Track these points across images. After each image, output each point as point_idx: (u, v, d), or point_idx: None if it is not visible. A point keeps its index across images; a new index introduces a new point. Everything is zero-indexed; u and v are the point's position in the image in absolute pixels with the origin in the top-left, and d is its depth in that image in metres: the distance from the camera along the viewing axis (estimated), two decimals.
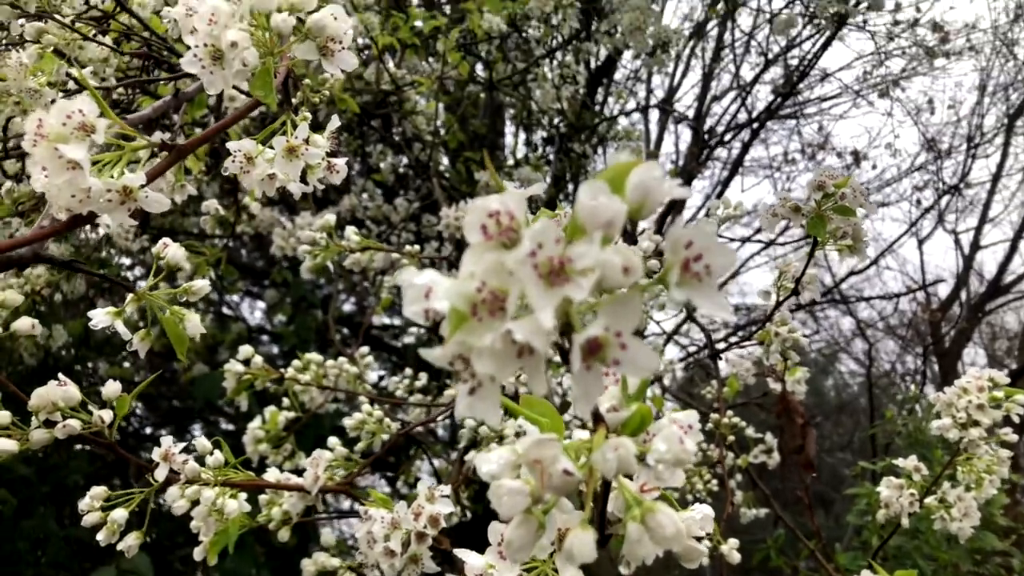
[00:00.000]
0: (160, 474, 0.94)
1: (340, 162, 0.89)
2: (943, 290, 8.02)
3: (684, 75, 7.39)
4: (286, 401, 1.78)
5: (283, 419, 1.76)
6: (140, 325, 0.94)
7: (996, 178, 8.05)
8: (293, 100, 0.86)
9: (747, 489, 2.43)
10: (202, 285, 0.93)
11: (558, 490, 0.41)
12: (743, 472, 2.26)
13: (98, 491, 0.92)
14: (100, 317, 0.90)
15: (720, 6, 6.30)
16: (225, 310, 6.59)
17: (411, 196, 3.46)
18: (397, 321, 6.79)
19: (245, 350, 1.56)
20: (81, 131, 0.65)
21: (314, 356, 1.62)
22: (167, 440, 0.96)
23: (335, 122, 0.88)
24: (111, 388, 0.87)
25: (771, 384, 2.10)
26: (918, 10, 6.06)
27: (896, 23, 6.06)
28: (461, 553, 0.66)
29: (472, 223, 0.38)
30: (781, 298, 1.49)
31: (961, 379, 1.67)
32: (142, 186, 0.69)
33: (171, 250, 0.90)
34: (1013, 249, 8.09)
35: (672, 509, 0.43)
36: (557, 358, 0.40)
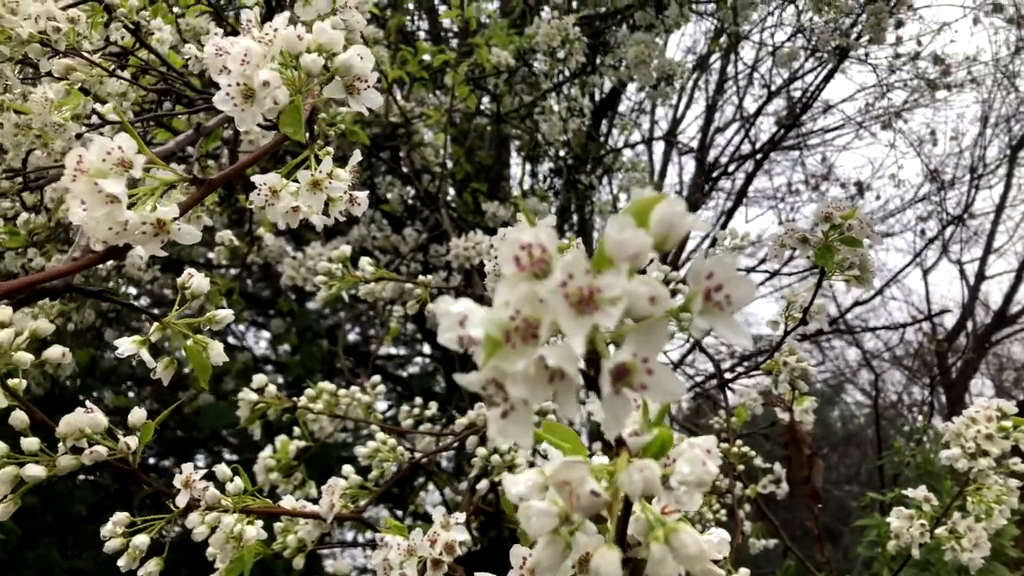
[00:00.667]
0: (181, 500, 0.96)
1: (361, 195, 0.91)
2: (949, 321, 8.01)
3: (688, 107, 7.49)
4: (296, 430, 1.79)
5: (294, 448, 1.78)
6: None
7: (1000, 209, 8.09)
8: (316, 135, 0.89)
9: (756, 520, 2.42)
10: (225, 314, 0.95)
11: (586, 510, 0.43)
12: (752, 502, 2.26)
13: (121, 517, 0.94)
14: (126, 346, 0.92)
15: (723, 39, 6.40)
16: (231, 340, 6.61)
17: (419, 227, 3.50)
18: (402, 351, 6.80)
19: (259, 379, 1.57)
20: (120, 167, 0.68)
21: (326, 385, 1.64)
22: (188, 467, 0.97)
23: (357, 156, 0.90)
24: (137, 415, 0.89)
25: (779, 414, 2.11)
26: (919, 43, 6.15)
27: (897, 56, 6.14)
28: None
29: (506, 255, 0.40)
30: (789, 328, 1.50)
31: (969, 409, 1.68)
32: (175, 219, 0.72)
33: (196, 280, 0.93)
34: (1018, 279, 8.11)
35: (695, 531, 0.44)
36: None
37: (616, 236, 0.39)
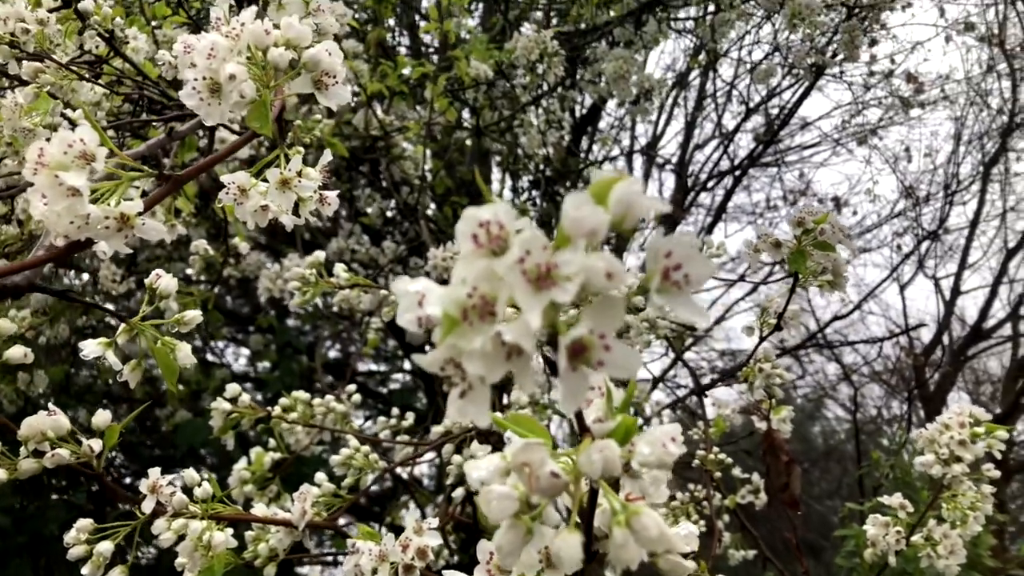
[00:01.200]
0: (147, 506, 0.94)
1: (332, 195, 0.91)
2: (926, 335, 8.09)
3: (667, 123, 7.54)
4: (271, 442, 1.77)
5: (269, 460, 1.75)
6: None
7: (974, 224, 8.20)
8: (286, 135, 0.88)
9: (735, 531, 2.42)
10: (194, 315, 0.94)
11: (546, 492, 0.43)
12: (731, 513, 2.25)
13: (84, 523, 0.92)
14: (91, 348, 0.90)
15: (701, 57, 6.47)
16: (209, 356, 6.55)
17: (398, 239, 3.49)
18: (383, 367, 6.76)
19: (232, 388, 1.56)
20: (82, 159, 0.67)
21: (301, 395, 1.62)
22: (155, 471, 0.96)
23: (327, 156, 0.90)
24: (101, 417, 0.87)
25: (756, 423, 2.12)
26: (892, 61, 6.25)
27: (872, 73, 6.23)
28: (449, 575, 0.66)
29: (463, 232, 0.40)
30: (764, 334, 1.51)
31: (943, 415, 1.69)
32: (139, 213, 0.71)
33: (163, 280, 0.92)
34: (993, 294, 8.21)
35: (656, 514, 0.44)
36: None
37: (573, 213, 0.39)
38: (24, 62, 1.20)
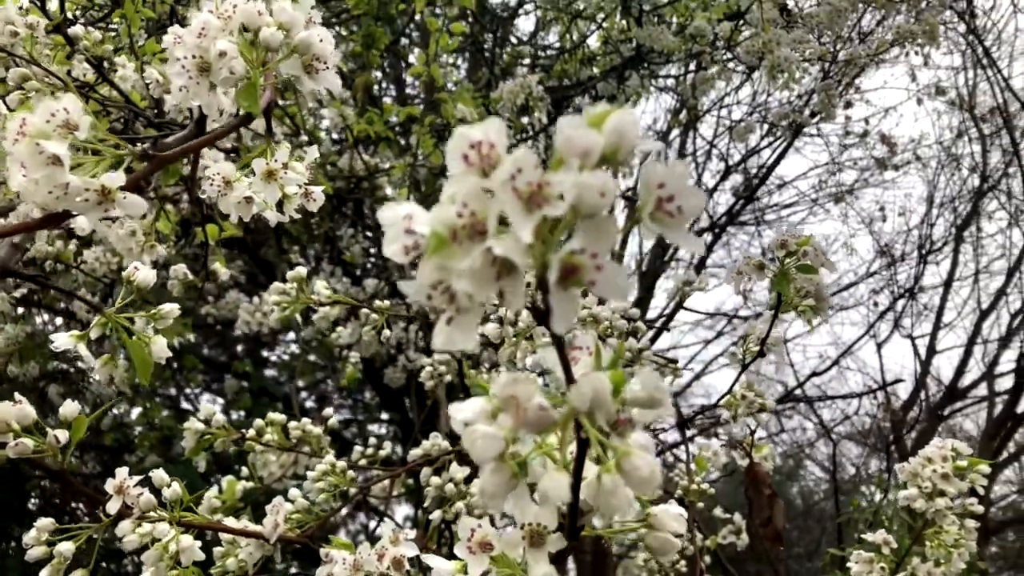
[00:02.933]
0: (112, 507, 0.90)
1: (317, 190, 0.90)
2: (903, 393, 8.13)
3: None
4: (244, 471, 1.72)
5: (241, 489, 1.71)
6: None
7: (947, 285, 8.32)
8: (273, 128, 0.88)
9: (717, 574, 2.37)
10: (171, 308, 0.92)
11: (533, 425, 0.41)
12: (712, 554, 2.21)
13: (45, 523, 0.88)
14: (63, 340, 0.88)
15: (682, 115, 6.61)
16: (183, 404, 6.44)
17: (379, 276, 3.48)
18: (360, 416, 6.67)
19: (206, 408, 1.52)
20: (64, 128, 0.66)
21: (276, 416, 1.59)
22: (122, 471, 0.92)
23: (314, 152, 0.90)
24: (69, 408, 0.85)
25: (738, 460, 2.10)
26: (867, 122, 6.42)
27: (847, 133, 6.39)
28: (428, 559, 0.64)
29: (454, 151, 0.39)
30: (747, 361, 1.51)
31: (925, 448, 1.68)
32: (121, 188, 0.70)
33: (141, 273, 0.90)
34: (967, 354, 8.28)
35: (648, 454, 0.43)
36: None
37: (567, 132, 0.39)
38: (11, 68, 1.20)
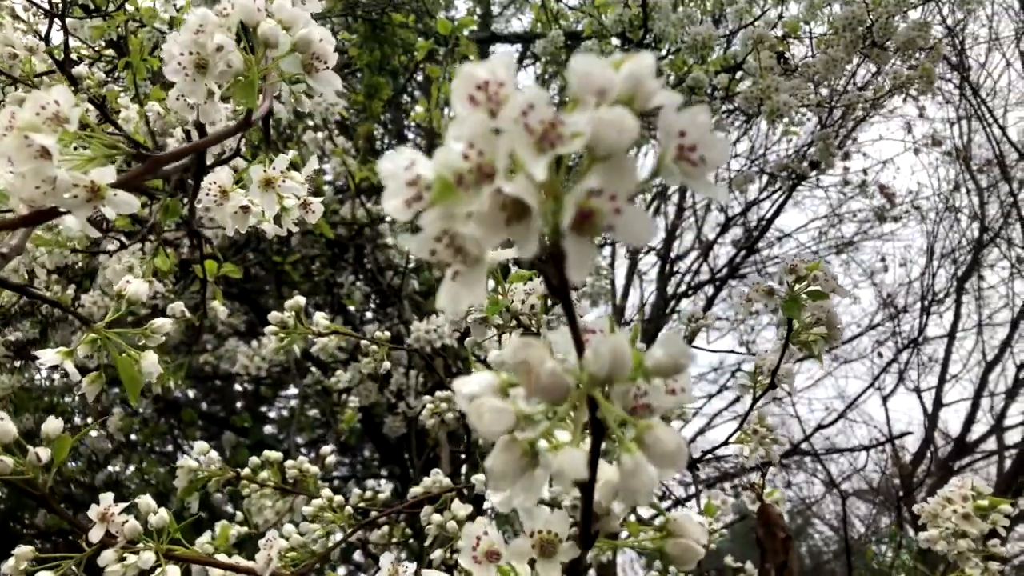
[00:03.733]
0: (95, 535, 0.85)
1: (316, 201, 0.88)
2: (911, 445, 8.00)
3: None
4: (238, 514, 1.66)
5: (234, 534, 1.64)
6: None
7: (951, 337, 8.26)
8: (271, 138, 0.86)
9: None
10: (163, 322, 0.88)
11: (547, 392, 0.38)
12: None
13: (24, 551, 0.83)
14: (49, 356, 0.84)
15: None
16: (180, 458, 6.32)
17: (381, 319, 3.45)
18: (359, 473, 6.55)
19: (200, 446, 1.47)
20: (54, 121, 0.64)
21: (273, 454, 1.53)
22: (107, 497, 0.87)
23: (313, 163, 0.87)
24: (52, 425, 0.80)
25: (748, 504, 2.03)
26: (864, 173, 6.46)
27: (846, 183, 6.42)
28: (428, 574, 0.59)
29: (460, 92, 0.36)
30: (758, 394, 1.46)
31: (944, 488, 1.63)
32: (111, 184, 0.67)
33: (133, 286, 0.87)
34: (975, 407, 8.17)
35: (672, 427, 0.39)
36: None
37: (582, 68, 0.36)
38: (9, 91, 1.19)
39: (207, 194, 0.83)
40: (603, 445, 0.46)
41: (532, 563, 0.55)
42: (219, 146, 1.62)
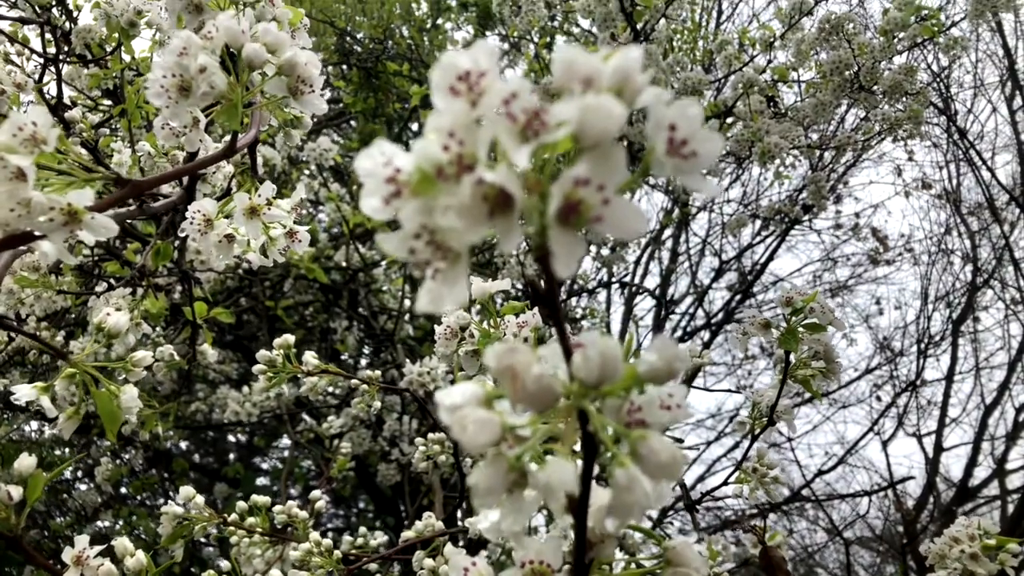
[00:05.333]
0: None
1: (302, 230, 0.86)
2: (913, 491, 7.89)
3: (644, 278, 7.68)
4: (224, 564, 1.61)
5: None
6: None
7: (949, 380, 8.21)
8: (257, 166, 0.84)
9: None
10: (143, 356, 0.86)
11: (533, 399, 0.35)
12: None
13: None
14: (24, 392, 0.82)
15: (675, 214, 6.70)
16: None
17: (374, 363, 3.41)
18: (353, 524, 6.43)
19: (186, 491, 1.43)
20: (31, 142, 0.62)
21: (261, 499, 1.49)
22: (82, 540, 0.84)
23: (300, 191, 0.86)
24: (25, 462, 0.77)
25: (750, 548, 1.97)
26: (857, 216, 6.49)
27: (838, 226, 6.45)
28: None
29: (440, 84, 0.35)
30: (757, 431, 1.43)
31: (950, 528, 1.59)
32: (88, 208, 0.65)
33: (113, 319, 0.84)
34: (975, 451, 8.09)
35: (665, 438, 0.36)
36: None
37: (566, 57, 0.34)
38: None
39: (191, 223, 0.81)
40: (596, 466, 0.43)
41: None
42: (210, 186, 1.61)
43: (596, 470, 0.45)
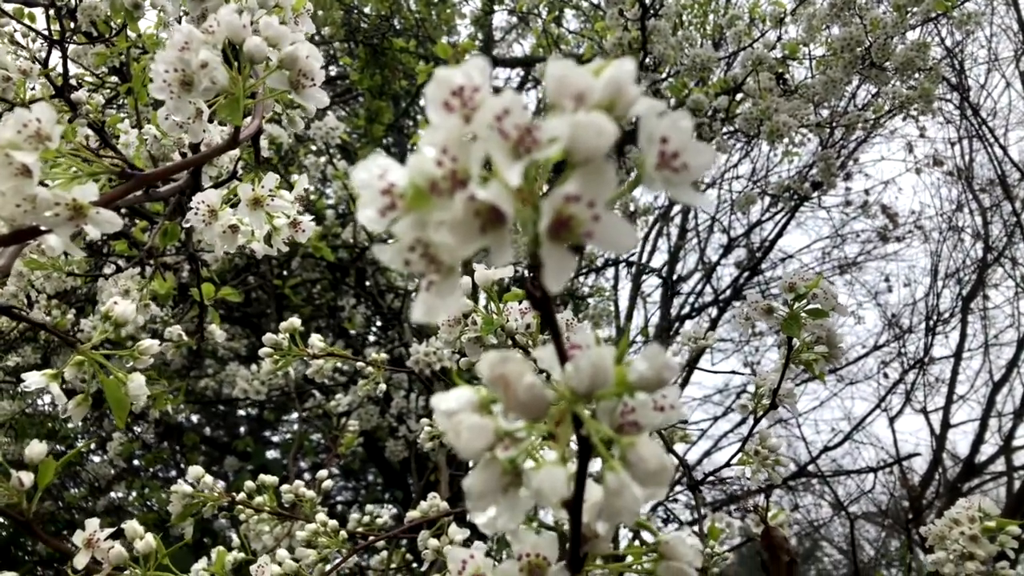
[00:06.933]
0: (80, 561, 0.83)
1: (306, 219, 0.87)
2: (919, 467, 7.92)
3: (651, 255, 7.67)
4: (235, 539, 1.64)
5: (231, 560, 1.62)
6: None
7: (958, 357, 8.20)
8: (260, 156, 0.85)
9: None
10: (150, 344, 0.87)
11: (525, 408, 0.36)
12: None
13: None
14: (34, 379, 0.83)
15: None
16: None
17: (382, 341, 3.43)
18: (362, 498, 6.51)
19: (195, 470, 1.45)
20: (36, 139, 0.63)
21: (268, 479, 1.51)
22: (92, 523, 0.86)
23: (304, 182, 0.87)
24: (35, 449, 0.79)
25: (752, 528, 2.00)
26: (867, 193, 6.46)
27: (848, 203, 6.42)
28: None
29: (434, 99, 0.35)
30: (759, 414, 1.44)
31: (950, 510, 1.60)
32: (93, 203, 0.66)
33: (119, 307, 0.86)
34: (983, 428, 8.09)
35: (655, 444, 0.37)
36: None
37: (558, 73, 0.35)
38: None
39: (195, 213, 0.82)
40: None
41: None
42: (216, 169, 1.61)
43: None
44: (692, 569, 0.52)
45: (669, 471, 0.36)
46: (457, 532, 1.28)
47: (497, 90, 0.36)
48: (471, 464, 0.38)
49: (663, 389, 0.43)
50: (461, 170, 0.34)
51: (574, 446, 0.45)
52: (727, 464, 1.62)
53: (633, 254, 7.18)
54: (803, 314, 1.26)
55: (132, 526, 0.90)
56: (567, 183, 0.33)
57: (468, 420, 0.37)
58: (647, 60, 3.79)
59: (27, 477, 0.77)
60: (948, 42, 5.70)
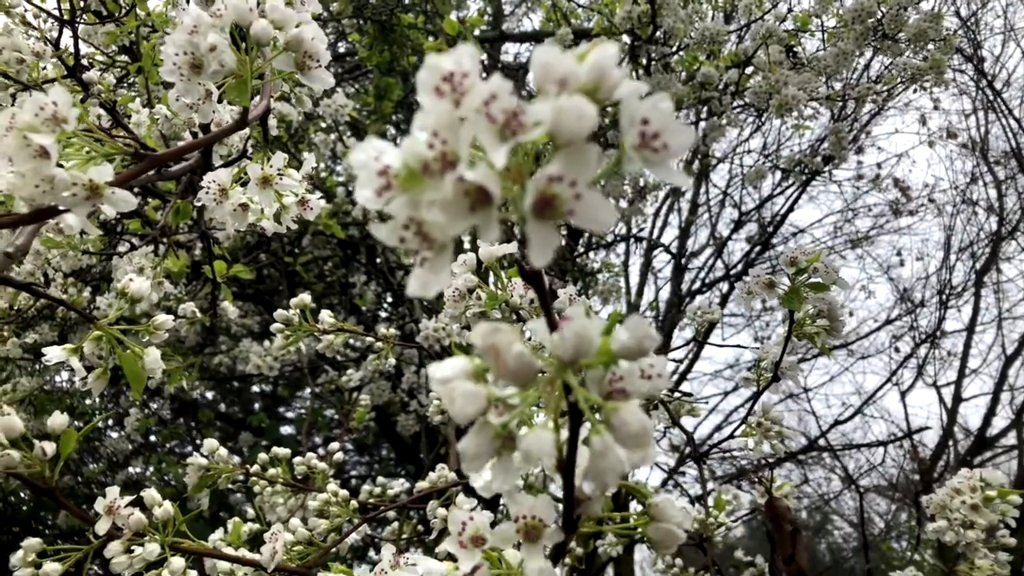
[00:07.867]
0: (102, 527, 0.87)
1: (313, 198, 0.89)
2: (930, 441, 7.93)
3: (663, 230, 7.66)
4: (250, 512, 1.68)
5: (247, 531, 1.67)
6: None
7: (970, 330, 8.17)
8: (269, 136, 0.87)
9: None
10: (165, 319, 0.90)
11: (515, 375, 0.39)
12: None
13: (32, 543, 0.85)
14: (55, 353, 0.86)
15: (695, 165, 6.64)
16: None
17: (392, 317, 3.47)
18: (375, 472, 6.59)
19: (210, 443, 1.49)
20: (52, 121, 0.66)
21: (281, 451, 1.55)
22: (113, 491, 0.89)
23: (311, 161, 0.89)
24: (57, 420, 0.82)
25: (757, 498, 2.03)
26: (879, 167, 6.41)
27: (860, 177, 6.38)
28: (416, 558, 0.60)
29: (426, 84, 0.37)
30: (762, 386, 1.46)
31: (952, 480, 1.62)
32: (109, 183, 0.69)
33: (135, 284, 0.89)
34: (995, 402, 8.08)
35: (638, 408, 0.40)
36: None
37: (543, 59, 0.37)
38: (16, 94, 1.21)
39: (207, 192, 0.84)
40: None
41: (518, 546, 0.56)
42: (226, 147, 1.64)
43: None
44: (681, 530, 0.54)
45: (650, 433, 0.39)
46: (465, 502, 1.31)
47: (486, 75, 0.38)
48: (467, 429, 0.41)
49: (648, 358, 0.45)
50: (451, 152, 0.37)
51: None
52: (730, 436, 1.65)
53: (643, 229, 7.18)
54: (804, 288, 1.28)
55: (150, 494, 0.94)
56: (551, 164, 0.36)
57: (462, 387, 0.40)
58: (656, 34, 3.77)
59: (50, 447, 0.80)
60: (963, 12, 5.63)
